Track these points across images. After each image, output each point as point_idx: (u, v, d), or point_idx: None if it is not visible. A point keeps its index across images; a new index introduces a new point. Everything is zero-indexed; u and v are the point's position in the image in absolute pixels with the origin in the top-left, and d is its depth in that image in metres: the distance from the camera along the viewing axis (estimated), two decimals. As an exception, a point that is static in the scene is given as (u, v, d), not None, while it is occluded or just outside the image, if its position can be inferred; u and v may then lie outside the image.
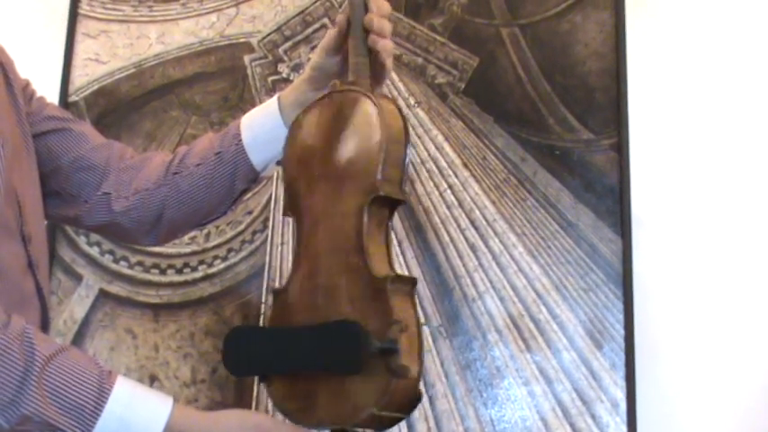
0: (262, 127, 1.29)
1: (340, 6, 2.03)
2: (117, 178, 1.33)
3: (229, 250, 1.96)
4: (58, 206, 1.33)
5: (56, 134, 1.31)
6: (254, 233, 1.95)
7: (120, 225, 1.33)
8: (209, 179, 1.30)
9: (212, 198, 1.31)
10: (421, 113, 1.95)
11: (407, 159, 1.12)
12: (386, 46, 1.19)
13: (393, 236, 1.87)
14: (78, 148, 1.33)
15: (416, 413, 1.82)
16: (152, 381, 1.93)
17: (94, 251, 2.00)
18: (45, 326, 1.19)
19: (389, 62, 1.21)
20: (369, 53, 1.19)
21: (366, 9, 1.19)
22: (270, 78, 2.03)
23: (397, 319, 1.02)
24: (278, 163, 1.31)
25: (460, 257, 1.88)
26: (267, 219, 1.95)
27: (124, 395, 0.99)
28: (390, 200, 1.10)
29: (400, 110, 1.14)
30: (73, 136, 1.33)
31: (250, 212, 1.95)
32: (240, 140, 1.29)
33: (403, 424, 1.82)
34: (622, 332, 1.80)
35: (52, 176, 1.31)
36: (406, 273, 1.04)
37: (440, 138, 1.93)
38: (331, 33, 1.24)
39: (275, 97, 1.30)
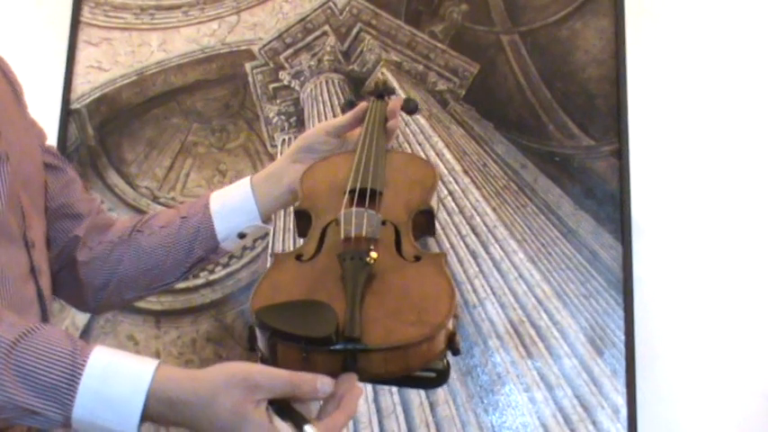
0: (231, 197, 1.35)
1: (341, 14, 2.04)
2: (89, 226, 1.35)
3: (230, 257, 1.96)
4: None
5: (52, 171, 1.32)
6: (254, 240, 1.95)
7: (75, 274, 1.34)
8: (170, 240, 1.33)
9: (168, 259, 1.33)
10: (421, 120, 1.96)
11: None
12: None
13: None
14: (67, 194, 1.34)
15: (417, 419, 1.82)
16: (153, 387, 1.93)
17: (96, 258, 2.00)
18: None
19: None
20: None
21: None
22: (271, 85, 2.03)
23: None
24: (240, 236, 1.34)
25: (461, 264, 1.88)
26: (268, 225, 1.95)
27: (100, 367, 0.93)
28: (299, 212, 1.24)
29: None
30: (65, 180, 1.34)
31: (251, 219, 1.95)
32: (208, 207, 1.34)
33: (405, 431, 1.82)
34: (623, 338, 1.80)
35: None
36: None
37: (440, 144, 1.94)
38: (341, 118, 1.36)
39: (249, 176, 1.38)
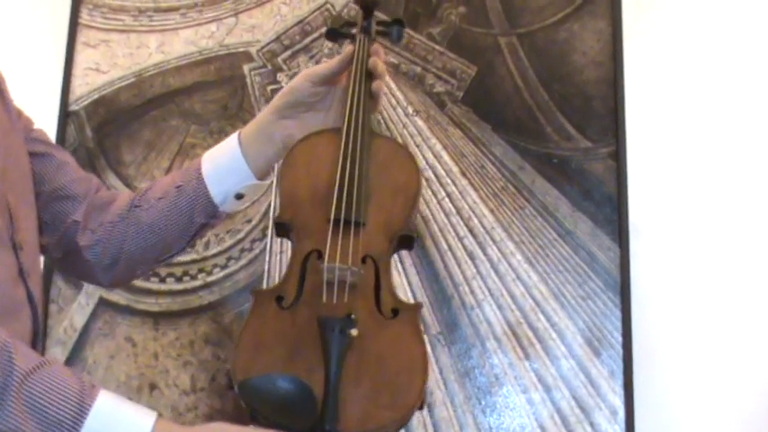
0: (222, 159, 1.32)
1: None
2: (87, 209, 1.34)
3: (228, 258, 1.96)
4: None
5: (39, 158, 1.31)
6: (253, 241, 1.96)
7: (81, 257, 1.34)
8: (169, 212, 1.32)
9: (171, 231, 1.32)
10: (419, 122, 1.96)
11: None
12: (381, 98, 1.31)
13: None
14: (60, 177, 1.33)
15: (415, 421, 1.83)
16: (151, 389, 1.93)
17: (94, 259, 2.00)
18: (36, 334, 1.19)
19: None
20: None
21: (369, 57, 1.30)
22: (269, 87, 2.03)
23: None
24: (237, 197, 1.33)
25: (459, 265, 1.88)
26: (266, 227, 1.96)
27: (105, 411, 0.97)
28: (279, 224, 1.22)
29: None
30: (55, 164, 1.33)
31: (249, 221, 1.96)
32: (200, 173, 1.32)
33: (402, 432, 1.82)
34: (620, 340, 1.80)
35: None
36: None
37: (438, 146, 1.94)
38: (326, 64, 1.30)
39: (237, 132, 1.34)
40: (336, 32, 1.37)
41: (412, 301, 1.81)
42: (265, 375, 1.03)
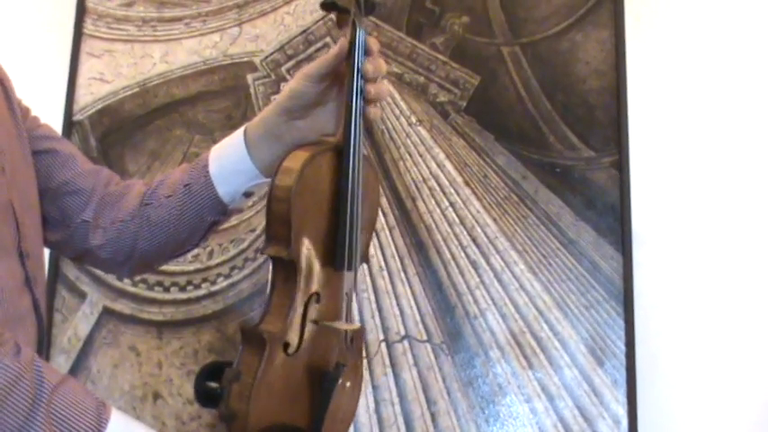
0: (228, 158, 1.30)
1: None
2: (98, 206, 1.33)
3: (232, 268, 1.97)
4: (43, 229, 1.32)
5: (46, 155, 1.31)
6: (256, 251, 1.96)
7: (96, 255, 1.34)
8: (179, 211, 1.31)
9: (182, 230, 1.31)
10: (423, 132, 1.96)
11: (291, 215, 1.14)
12: (379, 103, 1.25)
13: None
14: (66, 171, 1.32)
15: (419, 430, 1.83)
16: (155, 398, 1.93)
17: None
18: (41, 342, 1.20)
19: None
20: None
21: (366, 53, 1.23)
22: (273, 97, 2.04)
23: (235, 368, 1.12)
24: (246, 195, 1.32)
25: (462, 274, 1.89)
26: (270, 236, 1.96)
27: (119, 427, 1.01)
28: (281, 260, 1.16)
29: (304, 165, 1.15)
30: (61, 159, 1.33)
31: (253, 230, 1.96)
32: (208, 172, 1.30)
33: (405, 441, 1.83)
34: (624, 349, 1.80)
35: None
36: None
37: (441, 156, 1.95)
38: (321, 62, 1.24)
39: (242, 128, 1.31)
40: (334, 4, 1.24)
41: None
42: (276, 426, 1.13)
